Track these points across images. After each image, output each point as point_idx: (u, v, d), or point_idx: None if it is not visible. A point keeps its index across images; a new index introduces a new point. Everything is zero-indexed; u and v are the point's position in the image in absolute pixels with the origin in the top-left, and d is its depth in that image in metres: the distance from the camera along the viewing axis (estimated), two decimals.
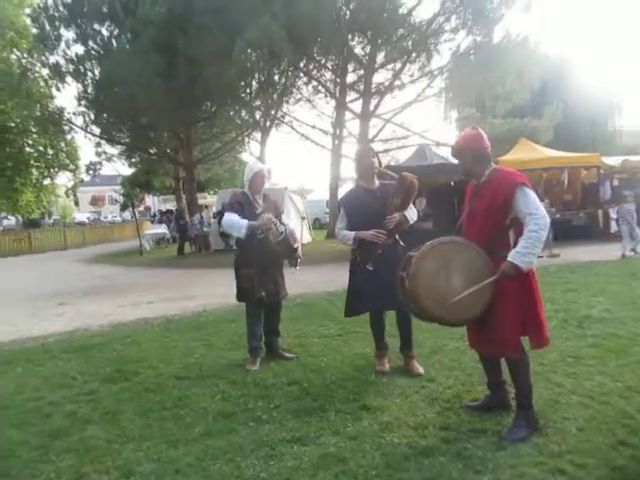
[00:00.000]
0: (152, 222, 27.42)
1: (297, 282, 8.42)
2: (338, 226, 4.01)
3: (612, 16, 67.10)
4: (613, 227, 12.91)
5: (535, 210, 2.68)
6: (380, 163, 4.01)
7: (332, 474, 2.45)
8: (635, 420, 2.79)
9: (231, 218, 4.16)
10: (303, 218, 18.44)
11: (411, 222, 3.86)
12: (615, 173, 14.64)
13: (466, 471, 2.40)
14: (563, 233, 12.59)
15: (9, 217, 38.42)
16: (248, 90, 18.67)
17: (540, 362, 3.76)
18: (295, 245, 4.35)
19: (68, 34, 18.89)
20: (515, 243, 2.75)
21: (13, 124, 25.04)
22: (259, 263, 4.14)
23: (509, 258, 2.65)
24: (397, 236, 3.89)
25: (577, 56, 25.30)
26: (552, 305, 5.56)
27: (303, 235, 17.90)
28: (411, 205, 3.88)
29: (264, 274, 4.16)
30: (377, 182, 3.95)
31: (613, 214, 13.01)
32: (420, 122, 33.24)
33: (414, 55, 16.55)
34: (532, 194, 2.73)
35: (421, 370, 3.74)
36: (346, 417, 3.07)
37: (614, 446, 2.53)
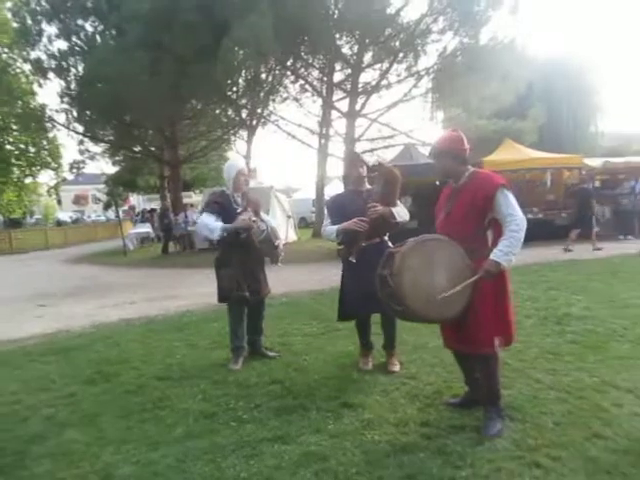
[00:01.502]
0: (133, 222, 26.76)
1: (282, 281, 8.41)
2: (323, 224, 4.00)
3: (598, 20, 68.15)
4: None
5: (514, 211, 2.75)
6: (368, 168, 3.97)
7: (312, 472, 2.45)
8: (609, 413, 2.85)
9: (204, 221, 4.11)
10: (289, 217, 18.41)
11: (399, 219, 3.73)
12: (597, 174, 14.88)
13: (445, 467, 2.42)
14: (546, 233, 12.77)
15: None
16: (235, 88, 18.57)
17: (520, 359, 3.82)
18: (277, 242, 4.33)
19: (50, 29, 18.67)
20: (493, 243, 2.81)
21: None
22: (241, 262, 4.12)
23: (492, 257, 2.71)
24: (386, 237, 3.84)
25: (562, 59, 25.49)
26: (533, 303, 5.63)
27: (289, 234, 17.89)
28: (401, 205, 3.80)
29: (246, 273, 4.14)
30: (367, 186, 3.94)
31: None
32: (406, 122, 33.11)
33: (401, 55, 16.58)
34: (511, 196, 2.80)
35: (395, 369, 3.78)
36: (327, 415, 3.07)
37: (588, 438, 2.58)
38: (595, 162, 14.64)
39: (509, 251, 2.70)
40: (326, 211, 4.07)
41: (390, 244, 3.79)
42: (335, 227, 3.80)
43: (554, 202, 14.60)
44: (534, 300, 5.79)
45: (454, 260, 2.76)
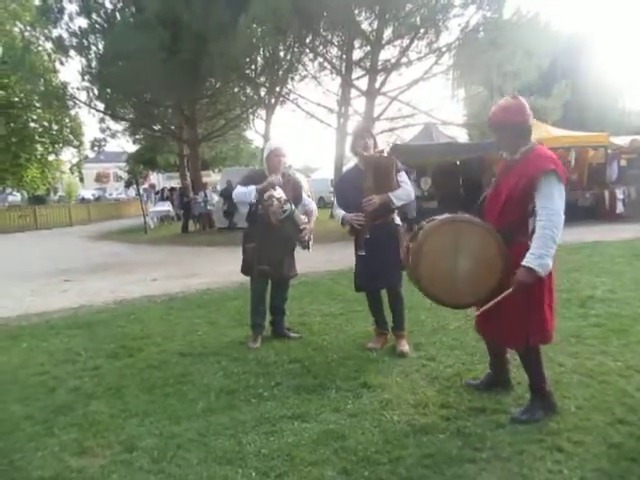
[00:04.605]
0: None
1: (300, 261, 8.36)
2: (334, 204, 4.05)
3: None
4: (619, 208, 12.78)
5: (550, 204, 2.48)
6: (376, 145, 3.91)
7: (331, 450, 2.47)
8: (634, 399, 2.80)
9: (239, 189, 4.17)
10: (308, 197, 18.36)
11: (398, 203, 3.72)
12: (623, 153, 14.43)
13: (465, 448, 2.42)
14: (568, 213, 12.49)
15: (14, 193, 38.60)
16: (253, 66, 18.38)
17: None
18: (301, 226, 4.26)
19: (71, 7, 18.65)
20: (533, 231, 2.56)
21: (17, 99, 24.94)
22: (262, 239, 4.14)
23: (524, 262, 2.45)
24: (394, 215, 3.83)
25: (588, 35, 24.69)
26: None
27: None
28: (404, 184, 3.72)
29: (265, 250, 4.14)
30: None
31: (620, 194, 12.88)
32: (427, 100, 32.59)
33: (422, 31, 16.13)
34: (557, 186, 2.51)
35: (404, 348, 3.74)
36: (347, 395, 3.09)
37: (612, 424, 2.54)
38: (622, 140, 14.19)
39: (542, 253, 2.42)
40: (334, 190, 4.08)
41: (398, 221, 3.85)
42: (342, 214, 3.83)
43: (578, 182, 14.24)
44: (556, 282, 5.69)
45: (485, 246, 2.58)
